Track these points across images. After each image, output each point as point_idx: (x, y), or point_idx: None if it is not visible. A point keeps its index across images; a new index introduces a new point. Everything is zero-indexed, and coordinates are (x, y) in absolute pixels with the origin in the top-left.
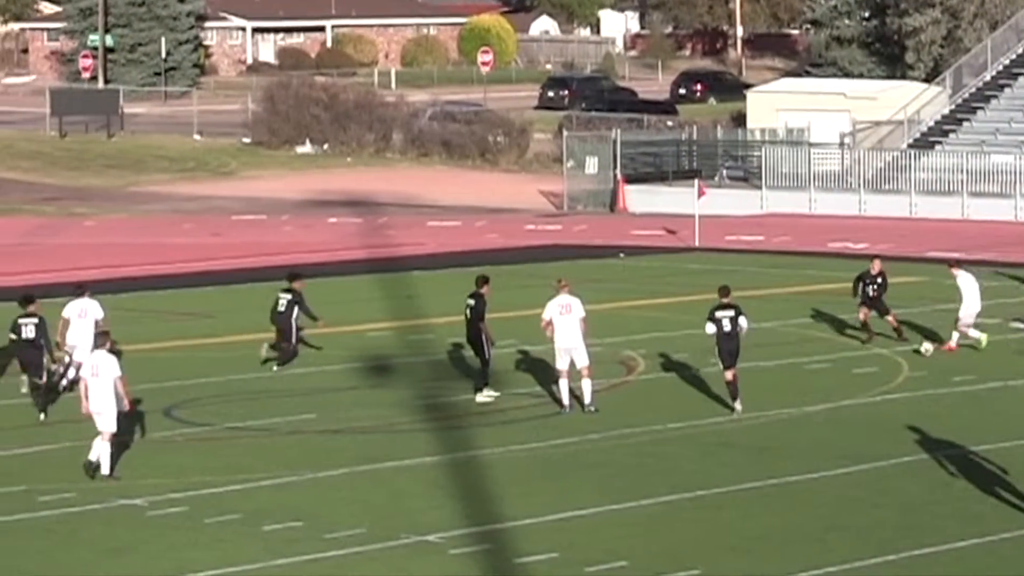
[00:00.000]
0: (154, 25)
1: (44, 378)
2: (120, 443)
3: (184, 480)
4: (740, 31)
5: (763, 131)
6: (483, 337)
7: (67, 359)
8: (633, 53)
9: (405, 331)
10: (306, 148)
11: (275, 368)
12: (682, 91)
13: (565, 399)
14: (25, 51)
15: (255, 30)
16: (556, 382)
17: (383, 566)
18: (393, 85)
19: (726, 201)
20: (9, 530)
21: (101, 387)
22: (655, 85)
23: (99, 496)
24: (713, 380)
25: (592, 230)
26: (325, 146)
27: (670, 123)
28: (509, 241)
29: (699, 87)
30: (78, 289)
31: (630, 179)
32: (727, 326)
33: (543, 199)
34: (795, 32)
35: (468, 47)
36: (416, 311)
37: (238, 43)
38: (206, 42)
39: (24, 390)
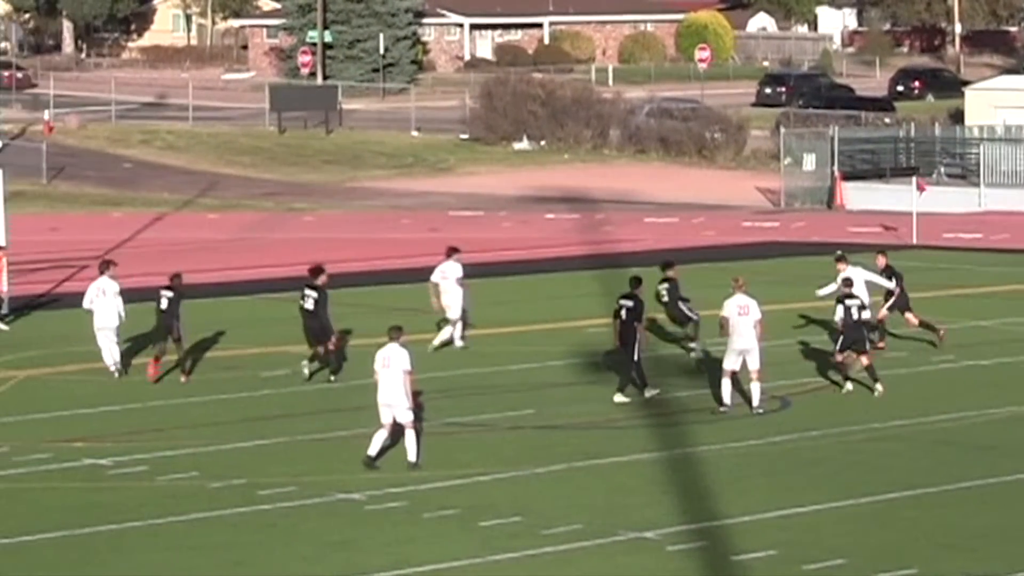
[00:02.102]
0: (372, 22)
1: (324, 349)
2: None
3: (403, 475)
4: (958, 28)
5: (981, 128)
6: (638, 339)
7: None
8: (850, 50)
9: None
10: (523, 144)
11: (332, 379)
12: (900, 88)
13: (727, 398)
14: (245, 47)
15: (473, 27)
16: (720, 380)
17: (600, 562)
18: (610, 82)
19: (944, 198)
20: (229, 523)
21: (392, 379)
22: (872, 82)
23: (318, 490)
24: (933, 377)
25: (809, 227)
26: (542, 142)
27: (887, 120)
28: (726, 238)
29: (917, 84)
30: (104, 267)
31: (847, 176)
32: (855, 313)
33: (760, 196)
34: (1014, 29)
35: (686, 44)
36: None
37: (456, 39)
38: (424, 38)
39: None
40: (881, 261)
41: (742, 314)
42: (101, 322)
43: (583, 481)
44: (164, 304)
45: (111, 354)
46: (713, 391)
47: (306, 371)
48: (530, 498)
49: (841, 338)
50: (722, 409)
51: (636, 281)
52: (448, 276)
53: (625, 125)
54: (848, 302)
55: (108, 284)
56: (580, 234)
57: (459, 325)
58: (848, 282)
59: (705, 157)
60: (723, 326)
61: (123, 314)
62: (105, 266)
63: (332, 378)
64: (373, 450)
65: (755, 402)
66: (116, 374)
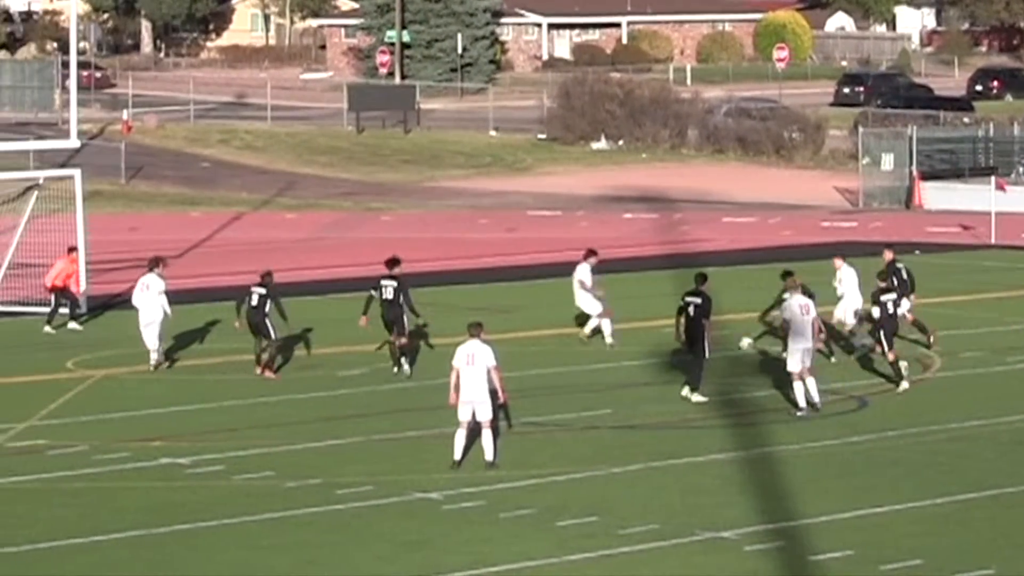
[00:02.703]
0: (450, 21)
1: (404, 339)
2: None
3: (480, 474)
4: None
5: None
6: (706, 336)
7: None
8: (929, 49)
9: None
10: (601, 144)
11: (407, 370)
12: (978, 88)
13: (801, 401)
14: (323, 47)
15: (551, 26)
16: (791, 384)
17: (677, 562)
18: (688, 81)
19: (1023, 198)
20: (305, 523)
21: (476, 376)
22: (951, 81)
23: (395, 490)
24: (1010, 377)
25: (888, 227)
26: (620, 142)
27: (966, 120)
28: (804, 238)
29: (996, 84)
30: (153, 263)
31: (926, 176)
32: (891, 308)
33: (838, 196)
34: None
35: (764, 43)
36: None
37: (534, 39)
38: (502, 38)
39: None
40: (888, 256)
41: (804, 314)
42: (146, 318)
43: (660, 481)
44: (255, 300)
45: (153, 346)
46: (784, 392)
47: (407, 369)
48: (606, 498)
49: (883, 335)
50: (800, 413)
51: (702, 277)
52: (584, 278)
53: (703, 125)
54: (883, 298)
55: (153, 281)
56: (657, 234)
57: (607, 322)
58: (883, 276)
59: (783, 157)
60: (785, 327)
61: (168, 311)
62: (154, 263)
63: (398, 369)
64: (458, 454)
65: (814, 397)
66: (153, 367)
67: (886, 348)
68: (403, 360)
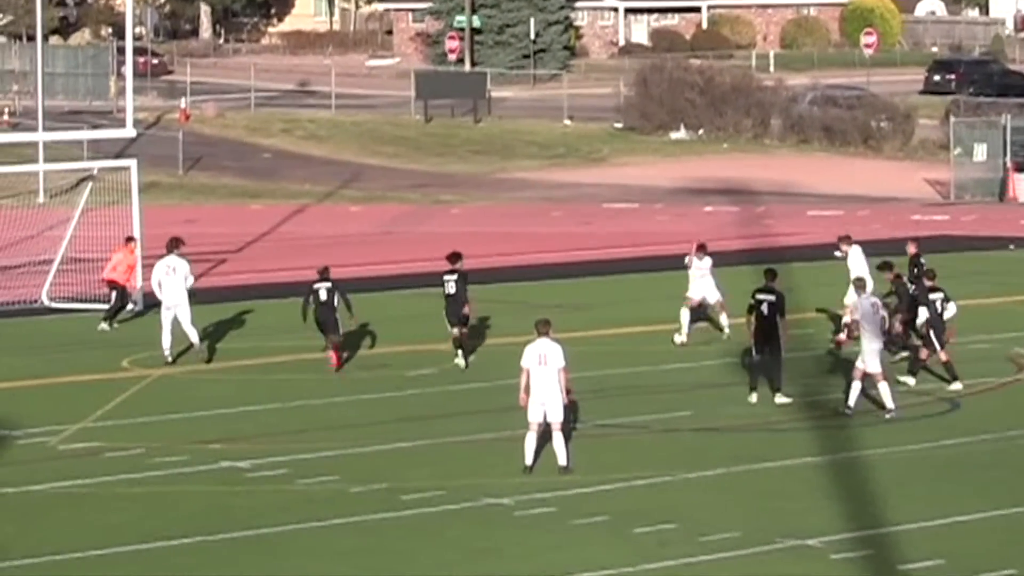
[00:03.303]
0: (523, 6)
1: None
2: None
3: (552, 479)
4: None
5: None
6: (781, 335)
7: None
8: None
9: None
10: (680, 134)
11: (461, 363)
12: None
13: (852, 400)
14: (389, 32)
15: (628, 11)
16: (851, 382)
17: (759, 571)
18: (771, 68)
19: None
20: (372, 529)
21: (547, 376)
22: None
23: (465, 495)
24: None
25: (980, 220)
26: (700, 132)
27: None
28: (893, 231)
29: None
30: (173, 244)
31: (1021, 167)
32: (939, 308)
33: (929, 188)
34: None
35: (850, 28)
36: (794, 305)
37: (610, 24)
38: (576, 23)
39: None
40: (912, 249)
41: (876, 312)
42: (170, 300)
43: (741, 486)
44: (324, 296)
45: (166, 338)
46: (869, 394)
47: (461, 362)
48: (685, 504)
49: (933, 335)
50: (888, 415)
51: (771, 273)
52: (702, 268)
53: (787, 114)
54: (932, 296)
55: (178, 263)
56: (739, 228)
57: (723, 315)
58: (930, 274)
59: (871, 147)
60: (851, 328)
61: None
62: (174, 244)
63: (463, 362)
64: (529, 459)
65: (888, 404)
66: (168, 359)
67: (938, 348)
68: (459, 353)
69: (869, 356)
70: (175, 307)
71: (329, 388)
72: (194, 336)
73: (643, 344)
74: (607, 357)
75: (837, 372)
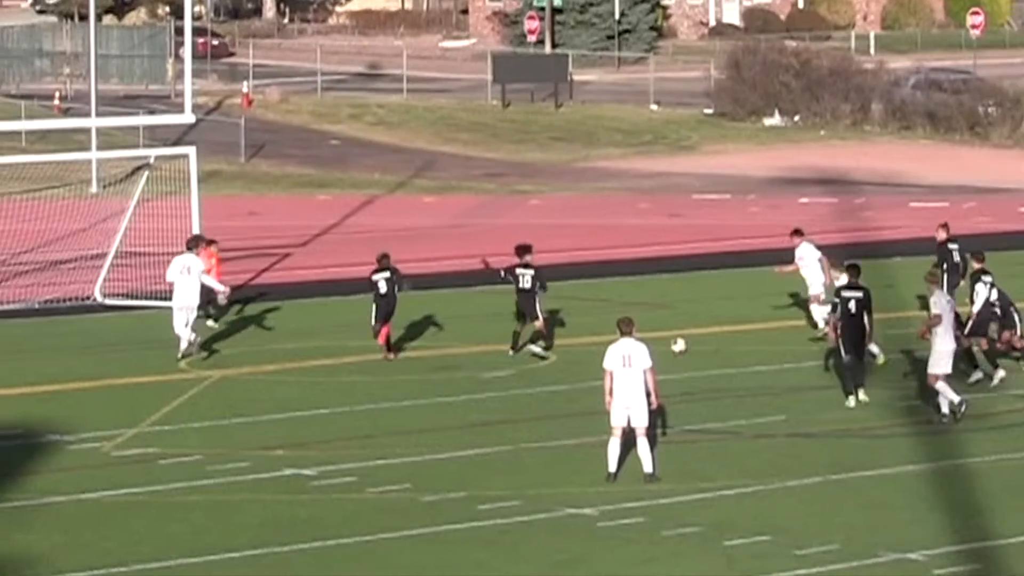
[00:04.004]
0: None
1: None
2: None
3: (639, 488)
4: None
5: None
6: (869, 333)
7: None
8: None
9: (885, 324)
10: (774, 120)
11: (536, 349)
12: None
13: (945, 407)
14: (465, 12)
15: None
16: (935, 384)
17: None
18: (872, 50)
19: None
20: (447, 540)
21: (632, 378)
22: None
23: (545, 504)
24: None
25: None
26: (796, 117)
27: None
28: (1000, 224)
29: None
30: (192, 243)
31: None
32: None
33: None
34: None
35: (956, 8)
36: (896, 303)
37: (700, 3)
38: (664, 2)
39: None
40: (941, 235)
41: (952, 311)
42: (181, 301)
43: (839, 496)
44: (384, 288)
45: (183, 334)
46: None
47: (539, 349)
48: (780, 514)
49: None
50: (939, 418)
51: (855, 269)
52: (804, 257)
53: (888, 99)
54: (984, 279)
55: (194, 262)
56: (837, 220)
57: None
58: (979, 256)
59: (978, 134)
60: (932, 327)
61: (220, 287)
62: (194, 242)
63: (541, 352)
64: (613, 466)
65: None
66: (180, 356)
67: (1006, 334)
68: (534, 346)
69: (942, 357)
70: (186, 309)
71: (400, 391)
72: (185, 339)
73: (733, 344)
74: (695, 358)
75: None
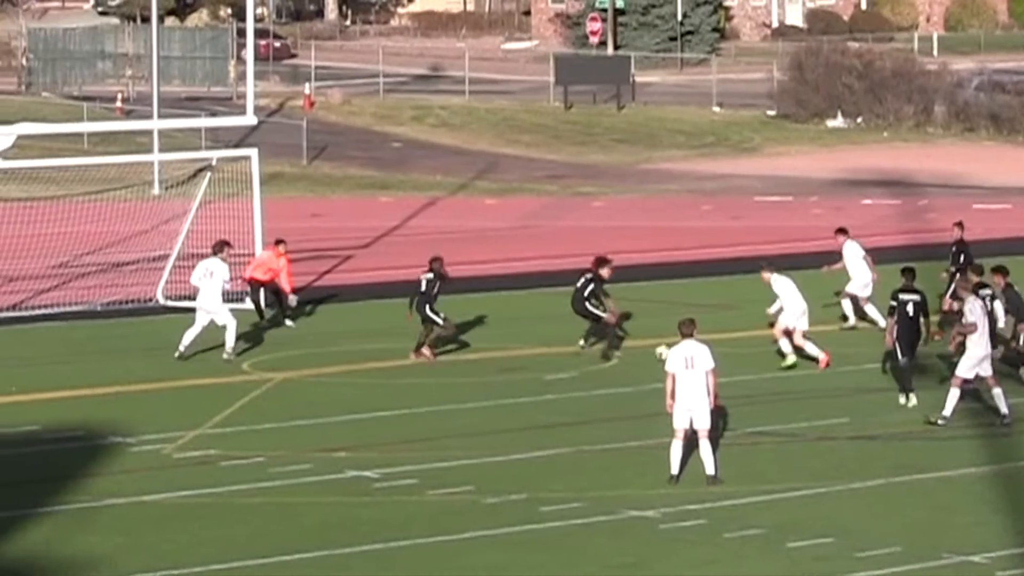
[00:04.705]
0: None
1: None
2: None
3: (701, 490)
4: None
5: None
6: (924, 336)
7: None
8: None
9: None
10: (837, 121)
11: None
12: None
13: (1002, 407)
14: (527, 13)
15: None
16: (958, 385)
17: None
18: (935, 51)
19: None
20: (508, 542)
21: (695, 380)
22: None
23: (607, 507)
24: None
25: None
26: (859, 119)
27: None
28: None
29: None
30: (218, 247)
31: None
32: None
33: None
34: None
35: (1020, 9)
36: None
37: (762, 5)
38: (726, 3)
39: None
40: (956, 233)
41: (985, 316)
42: (200, 303)
43: (902, 498)
44: (423, 286)
45: (189, 335)
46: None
47: (583, 342)
48: (843, 517)
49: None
50: (941, 422)
51: (911, 272)
52: (848, 255)
53: (952, 100)
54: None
55: (217, 266)
56: (900, 222)
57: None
58: (979, 269)
59: None
60: (968, 335)
61: (227, 283)
62: (219, 247)
63: (613, 350)
64: (675, 468)
65: (1003, 409)
66: (178, 355)
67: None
68: (598, 340)
69: (983, 363)
70: (210, 313)
71: (461, 393)
72: (187, 341)
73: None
74: (757, 360)
75: (1001, 377)
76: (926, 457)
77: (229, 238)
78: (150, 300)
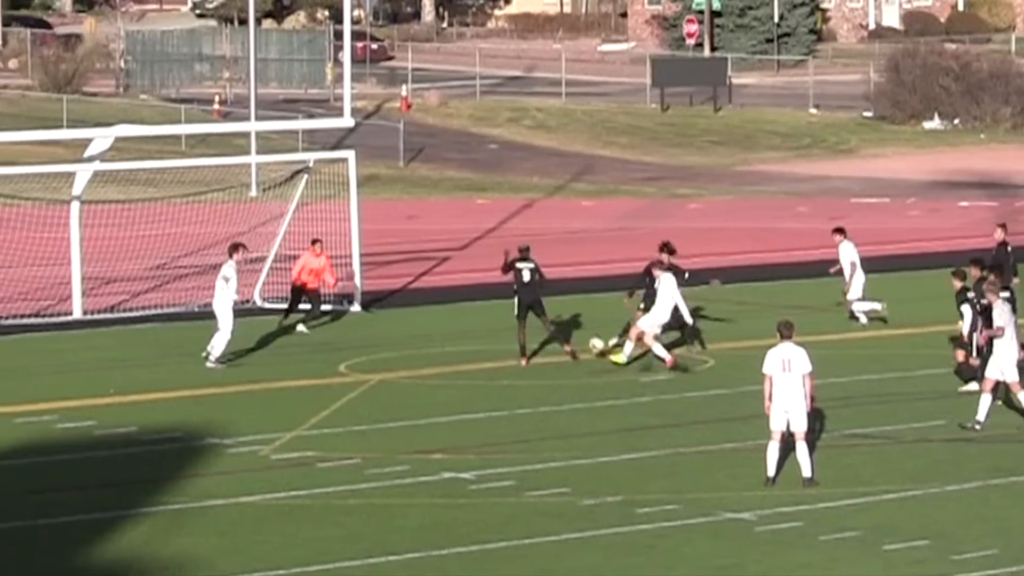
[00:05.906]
0: None
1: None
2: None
3: (797, 492)
4: None
5: None
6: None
7: None
8: None
9: None
10: (934, 123)
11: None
12: None
13: (982, 415)
14: (623, 15)
15: None
16: (988, 389)
17: None
18: None
19: None
20: (604, 544)
21: (792, 383)
22: None
23: (703, 509)
24: None
25: None
26: (955, 121)
27: None
28: None
29: None
30: (233, 250)
31: None
32: None
33: None
34: None
35: None
36: None
37: (859, 6)
38: (823, 5)
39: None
40: (999, 235)
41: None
42: (215, 304)
43: (999, 501)
44: (527, 276)
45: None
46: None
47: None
48: (939, 519)
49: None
50: (978, 427)
51: (999, 271)
52: (842, 256)
53: None
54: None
55: (229, 271)
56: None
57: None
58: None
59: None
60: (996, 339)
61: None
62: (234, 249)
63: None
64: (772, 470)
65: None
66: (206, 356)
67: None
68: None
69: (1005, 366)
70: (217, 316)
71: (558, 395)
72: (218, 348)
73: (893, 348)
74: (854, 362)
75: None
76: (1023, 460)
77: (326, 240)
78: (247, 301)
